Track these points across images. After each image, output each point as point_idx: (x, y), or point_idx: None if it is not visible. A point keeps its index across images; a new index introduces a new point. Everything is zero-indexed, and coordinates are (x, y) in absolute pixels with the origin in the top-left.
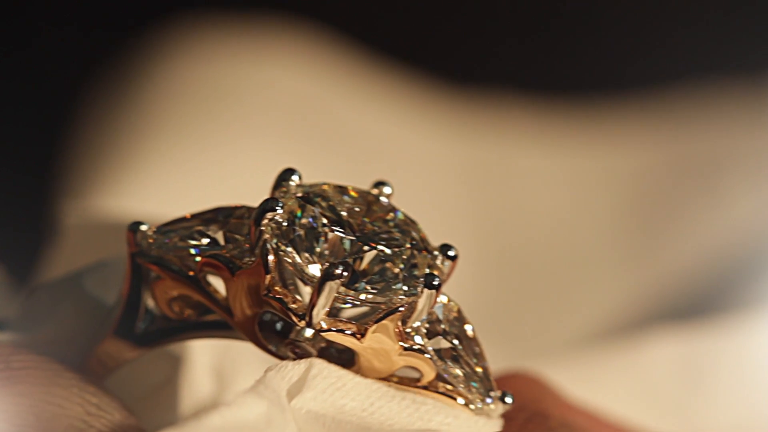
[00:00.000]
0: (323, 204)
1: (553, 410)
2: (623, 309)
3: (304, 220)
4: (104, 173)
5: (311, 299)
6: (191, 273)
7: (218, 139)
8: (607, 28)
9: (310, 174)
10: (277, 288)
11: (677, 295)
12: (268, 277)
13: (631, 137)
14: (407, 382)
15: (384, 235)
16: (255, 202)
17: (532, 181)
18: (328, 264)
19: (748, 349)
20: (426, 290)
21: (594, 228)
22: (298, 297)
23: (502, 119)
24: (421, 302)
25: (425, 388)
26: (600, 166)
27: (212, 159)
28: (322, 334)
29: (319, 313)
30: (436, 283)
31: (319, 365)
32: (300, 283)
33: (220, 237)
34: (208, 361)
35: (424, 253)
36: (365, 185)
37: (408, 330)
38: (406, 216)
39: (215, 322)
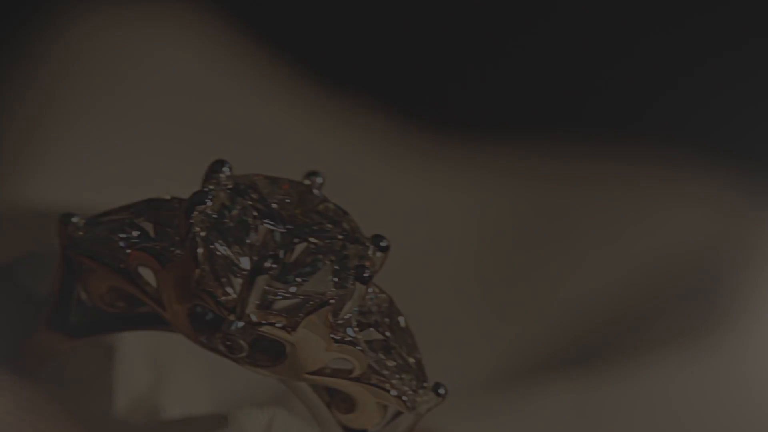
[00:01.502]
0: (254, 196)
1: None
2: (499, 359)
3: (234, 212)
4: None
5: (241, 293)
6: (122, 265)
7: (118, 121)
8: (496, 67)
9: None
10: (206, 281)
11: (551, 344)
12: (198, 270)
13: (499, 178)
14: (340, 373)
15: (315, 227)
16: (159, 187)
17: (395, 207)
18: (257, 257)
19: (638, 395)
20: (357, 282)
21: (459, 267)
22: (228, 290)
23: (375, 133)
24: (352, 294)
25: (358, 380)
26: (469, 203)
27: (113, 142)
28: (253, 327)
29: (249, 307)
30: (366, 275)
31: (281, 417)
32: (230, 276)
33: (151, 229)
34: (144, 351)
35: (356, 244)
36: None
37: (339, 322)
38: (337, 207)
39: (149, 314)
